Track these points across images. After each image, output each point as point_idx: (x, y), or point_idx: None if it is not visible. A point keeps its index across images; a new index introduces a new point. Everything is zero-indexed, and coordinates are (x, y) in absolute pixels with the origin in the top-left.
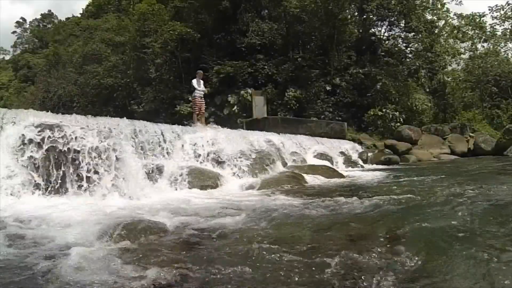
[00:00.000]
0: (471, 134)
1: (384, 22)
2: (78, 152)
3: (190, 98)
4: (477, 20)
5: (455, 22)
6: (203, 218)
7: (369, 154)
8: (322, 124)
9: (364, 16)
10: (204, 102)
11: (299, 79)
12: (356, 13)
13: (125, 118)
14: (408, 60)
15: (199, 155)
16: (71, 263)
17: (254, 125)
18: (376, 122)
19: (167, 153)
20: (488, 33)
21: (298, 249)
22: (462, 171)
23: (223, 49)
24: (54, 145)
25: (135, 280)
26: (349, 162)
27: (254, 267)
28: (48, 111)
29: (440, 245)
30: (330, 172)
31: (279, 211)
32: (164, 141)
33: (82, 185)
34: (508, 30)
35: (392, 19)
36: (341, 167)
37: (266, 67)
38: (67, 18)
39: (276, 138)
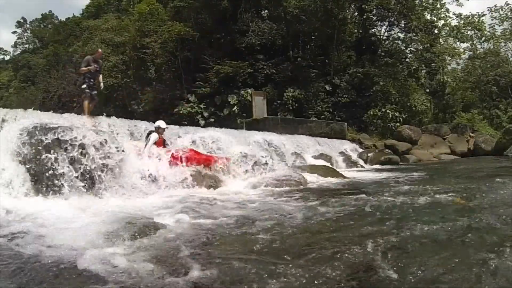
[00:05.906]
0: (471, 134)
1: (384, 22)
2: (78, 152)
3: (190, 98)
4: (476, 21)
5: (455, 22)
6: (204, 217)
7: (369, 154)
8: (322, 124)
9: (364, 16)
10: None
11: (299, 79)
12: (356, 13)
13: (123, 118)
14: (408, 60)
15: None
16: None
17: (254, 125)
18: (376, 122)
19: None
20: (487, 33)
21: (298, 249)
22: (463, 171)
23: (223, 49)
24: (54, 145)
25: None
26: (349, 162)
27: (253, 266)
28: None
29: (443, 247)
30: (330, 172)
31: (279, 210)
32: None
33: (83, 186)
34: (508, 30)
35: (392, 19)
36: (341, 167)
37: (265, 67)
38: (67, 18)
39: (276, 138)
